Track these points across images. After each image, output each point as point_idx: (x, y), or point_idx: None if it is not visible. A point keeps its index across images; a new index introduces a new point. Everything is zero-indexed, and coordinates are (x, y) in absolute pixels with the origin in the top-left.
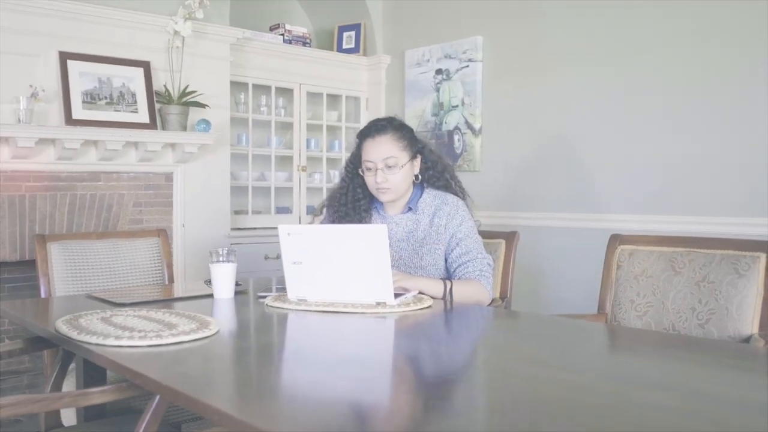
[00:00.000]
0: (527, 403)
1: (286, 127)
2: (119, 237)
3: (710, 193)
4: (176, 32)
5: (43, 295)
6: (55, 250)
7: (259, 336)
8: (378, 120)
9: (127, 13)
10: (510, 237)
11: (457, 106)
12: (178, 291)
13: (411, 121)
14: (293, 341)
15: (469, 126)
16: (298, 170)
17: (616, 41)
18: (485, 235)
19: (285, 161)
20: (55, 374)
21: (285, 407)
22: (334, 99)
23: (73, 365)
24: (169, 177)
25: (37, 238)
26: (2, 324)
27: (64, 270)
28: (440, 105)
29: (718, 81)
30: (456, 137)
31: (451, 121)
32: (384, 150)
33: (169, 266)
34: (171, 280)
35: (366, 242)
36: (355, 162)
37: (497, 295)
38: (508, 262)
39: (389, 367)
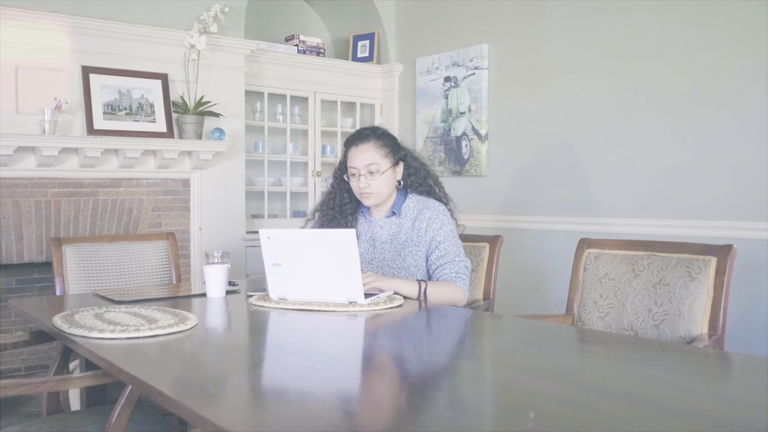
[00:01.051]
0: (470, 399)
1: (301, 133)
2: (130, 240)
3: (711, 198)
4: (192, 46)
5: (58, 293)
6: (69, 252)
7: (234, 331)
8: (363, 129)
9: (145, 29)
10: (493, 240)
11: (464, 112)
12: (180, 290)
13: (421, 128)
14: (265, 337)
15: (476, 132)
16: (313, 175)
17: (618, 48)
18: (470, 239)
19: (300, 167)
20: (56, 365)
21: (238, 399)
22: (349, 106)
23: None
24: (186, 183)
25: (53, 240)
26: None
27: (78, 270)
28: (449, 111)
29: (720, 87)
30: (464, 143)
31: (459, 127)
32: (366, 157)
33: (177, 267)
34: (179, 280)
35: (336, 245)
36: (342, 169)
37: (480, 296)
38: (492, 265)
39: (357, 363)
